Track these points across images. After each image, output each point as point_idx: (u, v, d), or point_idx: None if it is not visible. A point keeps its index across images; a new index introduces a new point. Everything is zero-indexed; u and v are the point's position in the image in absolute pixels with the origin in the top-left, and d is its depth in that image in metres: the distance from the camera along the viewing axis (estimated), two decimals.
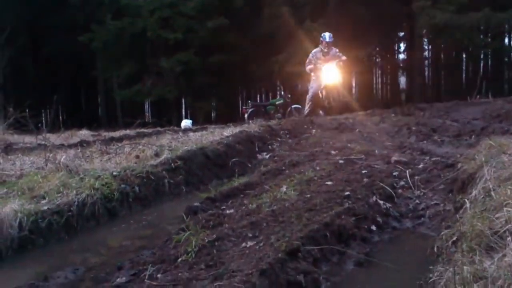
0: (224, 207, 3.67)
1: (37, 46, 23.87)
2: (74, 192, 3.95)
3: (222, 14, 19.47)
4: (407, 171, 4.03)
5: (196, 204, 3.70)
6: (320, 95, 10.27)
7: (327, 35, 10.36)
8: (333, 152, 5.10)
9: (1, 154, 5.66)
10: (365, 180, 3.79)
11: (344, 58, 10.30)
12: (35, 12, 21.87)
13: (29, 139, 8.20)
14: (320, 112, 10.34)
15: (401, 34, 30.69)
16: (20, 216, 3.46)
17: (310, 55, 10.42)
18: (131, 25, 19.98)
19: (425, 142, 5.69)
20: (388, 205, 3.38)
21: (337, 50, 10.42)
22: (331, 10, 19.91)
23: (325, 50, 10.20)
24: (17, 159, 5.52)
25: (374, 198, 3.41)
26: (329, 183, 3.78)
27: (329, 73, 10.13)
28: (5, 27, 17.70)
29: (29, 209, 3.59)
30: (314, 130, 7.03)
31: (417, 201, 3.52)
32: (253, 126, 7.18)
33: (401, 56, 33.54)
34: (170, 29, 19.66)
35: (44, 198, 3.88)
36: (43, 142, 6.78)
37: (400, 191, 3.70)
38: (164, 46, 20.16)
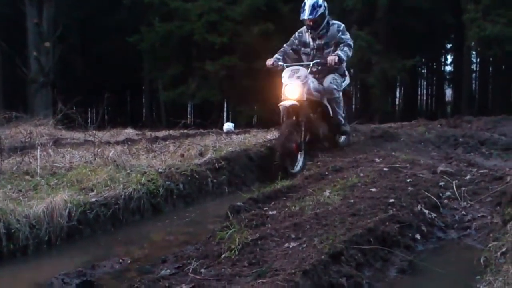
0: (266, 208, 3.69)
1: (87, 45, 24.61)
2: (121, 186, 4.06)
3: (268, 19, 19.57)
4: (454, 182, 3.95)
5: (239, 203, 3.74)
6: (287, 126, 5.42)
7: (307, 2, 5.80)
8: (377, 159, 5.05)
9: (51, 147, 5.85)
10: (410, 188, 3.73)
11: (343, 52, 5.72)
12: (86, 12, 22.59)
13: (76, 135, 8.46)
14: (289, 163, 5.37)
15: (449, 45, 30.17)
16: (70, 206, 3.58)
17: (293, 37, 6.18)
18: (179, 28, 20.32)
19: (472, 154, 5.58)
20: (433, 214, 3.32)
21: (342, 27, 5.98)
22: (379, 18, 19.74)
23: (310, 29, 5.89)
24: (67, 153, 5.70)
25: (419, 207, 3.35)
26: (373, 189, 3.74)
27: (293, 82, 5.51)
28: (58, 26, 18.30)
29: (78, 200, 3.71)
30: (357, 138, 6.98)
31: (463, 212, 3.45)
32: None
33: (448, 68, 33.00)
34: (216, 33, 19.89)
35: (92, 190, 4.01)
36: (90, 138, 7.00)
37: (446, 201, 3.63)
38: (210, 50, 20.41)
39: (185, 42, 20.77)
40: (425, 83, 34.26)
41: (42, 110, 14.34)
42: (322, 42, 5.96)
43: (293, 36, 6.17)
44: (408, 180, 3.99)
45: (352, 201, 3.45)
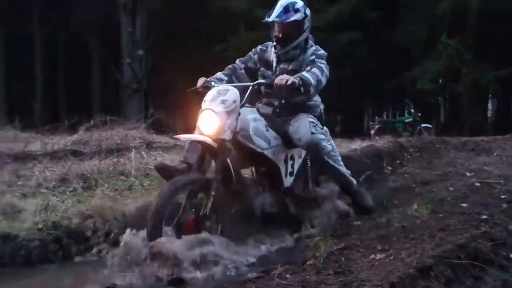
0: (351, 218, 3.68)
1: (174, 52, 25.56)
2: None
3: (353, 27, 19.36)
4: None
5: None
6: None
7: (279, 2, 3.83)
8: (468, 173, 4.86)
9: (144, 150, 6.17)
10: (504, 205, 3.57)
11: (310, 73, 3.56)
12: (174, 21, 23.44)
13: (166, 139, 8.83)
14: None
15: None
16: None
17: (252, 51, 4.20)
18: (264, 37, 20.60)
19: None
20: None
21: (321, 52, 3.89)
22: (470, 27, 18.92)
23: (276, 41, 3.87)
24: (158, 156, 5.99)
25: None
26: (464, 205, 3.62)
27: (213, 107, 3.27)
28: (150, 35, 19.21)
29: None
30: (447, 150, 6.74)
31: None
32: (381, 142, 7.07)
33: None
34: None
35: None
36: (179, 143, 7.29)
37: None
38: None
39: None
40: None
41: (135, 114, 15.05)
42: (289, 68, 3.85)
43: (253, 50, 4.19)
44: (503, 197, 3.82)
45: (441, 215, 3.37)
